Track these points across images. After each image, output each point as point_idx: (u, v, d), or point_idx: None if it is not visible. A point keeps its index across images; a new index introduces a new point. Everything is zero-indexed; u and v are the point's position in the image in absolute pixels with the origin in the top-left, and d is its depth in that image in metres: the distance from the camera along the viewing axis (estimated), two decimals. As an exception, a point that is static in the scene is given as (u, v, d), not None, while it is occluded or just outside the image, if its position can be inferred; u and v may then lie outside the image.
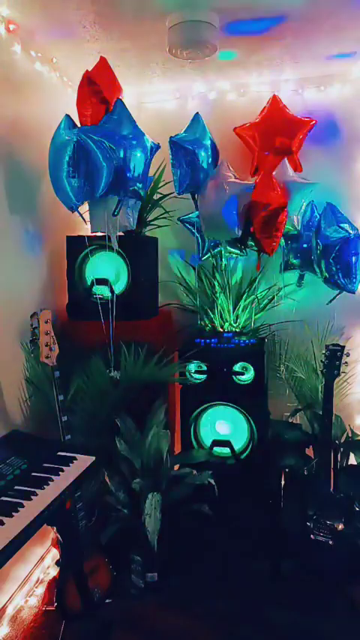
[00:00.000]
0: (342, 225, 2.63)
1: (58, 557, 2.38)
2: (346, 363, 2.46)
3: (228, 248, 2.84)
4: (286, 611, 2.25)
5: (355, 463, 2.70)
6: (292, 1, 2.16)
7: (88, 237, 2.63)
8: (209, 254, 2.95)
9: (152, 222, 2.94)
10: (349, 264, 2.63)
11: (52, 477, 1.66)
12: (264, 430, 2.69)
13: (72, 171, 2.23)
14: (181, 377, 2.70)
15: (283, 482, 2.73)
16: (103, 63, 2.42)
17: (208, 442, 2.75)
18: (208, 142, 2.70)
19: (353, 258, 2.63)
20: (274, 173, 2.69)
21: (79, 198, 2.31)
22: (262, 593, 2.36)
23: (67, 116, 2.33)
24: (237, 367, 2.68)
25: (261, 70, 2.92)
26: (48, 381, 2.21)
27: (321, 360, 2.50)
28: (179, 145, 2.58)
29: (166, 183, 2.88)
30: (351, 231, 2.61)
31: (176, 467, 2.57)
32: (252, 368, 2.67)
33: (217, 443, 2.72)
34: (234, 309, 2.97)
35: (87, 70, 2.39)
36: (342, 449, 2.67)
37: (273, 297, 3.07)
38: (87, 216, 2.47)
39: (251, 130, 2.96)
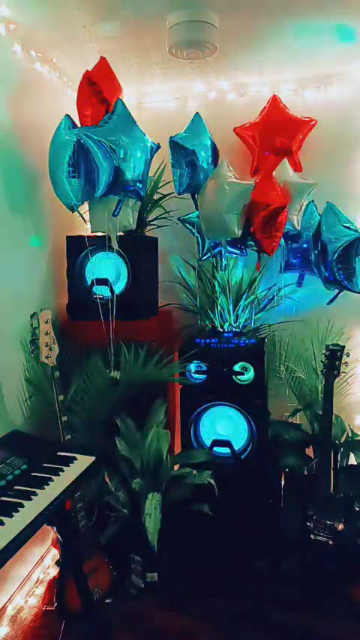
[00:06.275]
0: (348, 224, 2.62)
1: (58, 557, 2.39)
2: (346, 363, 2.46)
3: (228, 248, 2.84)
4: (286, 611, 2.25)
5: (355, 463, 2.70)
6: None
7: (88, 237, 2.63)
8: (209, 254, 2.95)
9: (152, 222, 2.94)
10: (353, 264, 2.63)
11: (52, 477, 1.66)
12: (264, 430, 2.69)
13: (72, 171, 2.23)
14: (181, 377, 2.70)
15: (283, 483, 2.73)
16: (103, 63, 2.42)
17: (208, 442, 2.75)
18: (208, 142, 2.70)
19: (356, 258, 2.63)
20: (274, 173, 2.69)
21: (79, 198, 2.31)
22: (262, 593, 2.36)
23: (67, 116, 2.33)
24: (237, 367, 2.67)
25: (261, 70, 2.91)
26: (48, 381, 2.21)
27: (321, 360, 2.50)
28: (179, 145, 2.58)
29: (166, 183, 2.88)
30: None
31: (176, 467, 2.57)
32: (252, 368, 2.67)
33: (217, 443, 2.72)
34: (234, 309, 2.97)
35: (87, 70, 2.39)
36: (342, 449, 2.67)
37: (273, 297, 3.07)
38: (87, 216, 2.47)
39: (251, 130, 2.96)
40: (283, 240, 2.84)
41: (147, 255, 2.85)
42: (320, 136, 2.97)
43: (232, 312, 2.97)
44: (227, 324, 2.97)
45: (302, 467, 2.68)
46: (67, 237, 2.73)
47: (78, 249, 2.69)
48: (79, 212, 2.37)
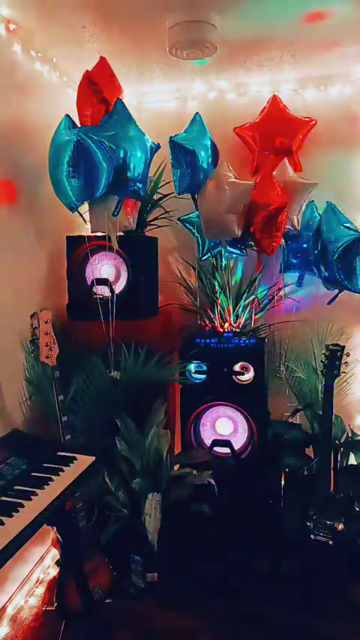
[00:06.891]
0: (348, 224, 2.62)
1: (58, 557, 2.38)
2: (346, 363, 2.46)
3: (228, 248, 2.84)
4: (286, 611, 2.25)
5: (355, 463, 2.70)
6: None
7: (88, 237, 2.63)
8: (209, 254, 2.95)
9: (152, 222, 2.94)
10: (353, 264, 2.63)
11: (52, 477, 1.65)
12: (264, 430, 2.69)
13: (72, 171, 2.23)
14: (181, 377, 2.70)
15: (283, 483, 2.73)
16: (103, 63, 2.42)
17: (208, 442, 2.75)
18: (208, 142, 2.70)
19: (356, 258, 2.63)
20: (274, 173, 2.69)
21: (79, 198, 2.31)
22: (262, 593, 2.36)
23: (67, 116, 2.33)
24: (237, 367, 2.67)
25: (261, 70, 2.92)
26: (48, 381, 2.21)
27: (321, 360, 2.50)
28: (179, 145, 2.58)
29: (166, 183, 2.88)
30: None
31: (176, 467, 2.57)
32: (252, 368, 2.67)
33: (217, 443, 2.72)
34: (234, 309, 2.97)
35: (87, 70, 2.39)
36: (342, 449, 2.67)
37: (273, 297, 3.07)
38: (87, 216, 2.47)
39: (251, 130, 2.96)
40: (283, 240, 2.84)
41: (147, 255, 2.85)
42: (320, 136, 2.97)
43: (232, 312, 2.97)
44: (227, 324, 2.97)
45: (302, 467, 2.68)
46: (67, 237, 2.73)
47: (78, 249, 2.69)
48: (79, 212, 2.37)
